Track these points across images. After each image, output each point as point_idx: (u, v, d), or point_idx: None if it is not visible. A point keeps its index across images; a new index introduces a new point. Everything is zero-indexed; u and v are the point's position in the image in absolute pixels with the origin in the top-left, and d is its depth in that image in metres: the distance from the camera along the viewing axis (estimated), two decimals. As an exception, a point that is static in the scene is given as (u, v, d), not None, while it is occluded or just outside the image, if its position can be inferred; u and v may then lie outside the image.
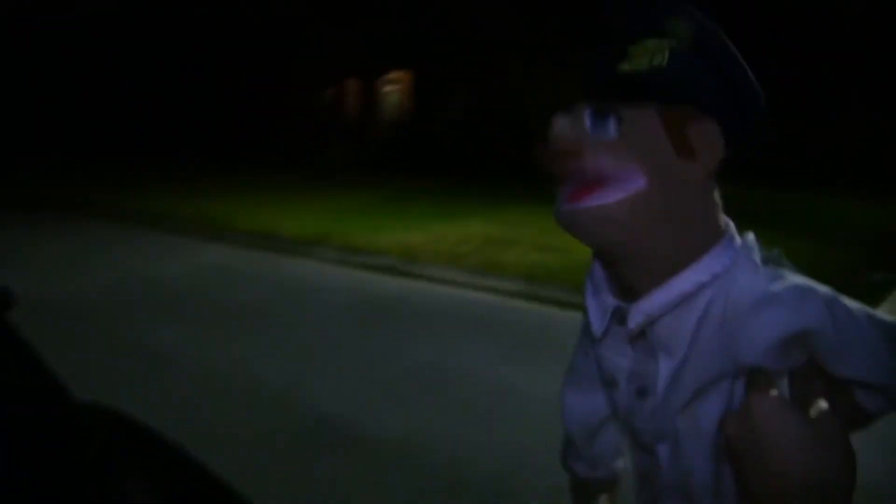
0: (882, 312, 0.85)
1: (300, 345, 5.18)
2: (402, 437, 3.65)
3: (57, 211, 12.30)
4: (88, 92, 22.50)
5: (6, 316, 1.76)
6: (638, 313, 0.85)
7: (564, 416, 1.08)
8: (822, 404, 0.83)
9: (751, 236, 0.88)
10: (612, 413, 1.03)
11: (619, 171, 0.81)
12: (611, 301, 0.90)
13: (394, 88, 20.42)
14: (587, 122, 0.83)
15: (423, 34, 17.72)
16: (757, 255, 0.85)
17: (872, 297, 5.59)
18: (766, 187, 11.06)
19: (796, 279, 0.82)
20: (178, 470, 1.75)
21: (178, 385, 4.39)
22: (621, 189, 0.81)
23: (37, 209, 12.42)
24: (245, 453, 3.45)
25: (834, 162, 12.26)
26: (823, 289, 0.82)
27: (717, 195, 0.87)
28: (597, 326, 0.92)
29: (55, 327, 5.29)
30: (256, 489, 2.87)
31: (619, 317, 0.90)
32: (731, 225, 0.88)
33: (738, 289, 0.82)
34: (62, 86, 22.50)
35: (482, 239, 8.57)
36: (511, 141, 16.07)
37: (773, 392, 0.81)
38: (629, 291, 0.88)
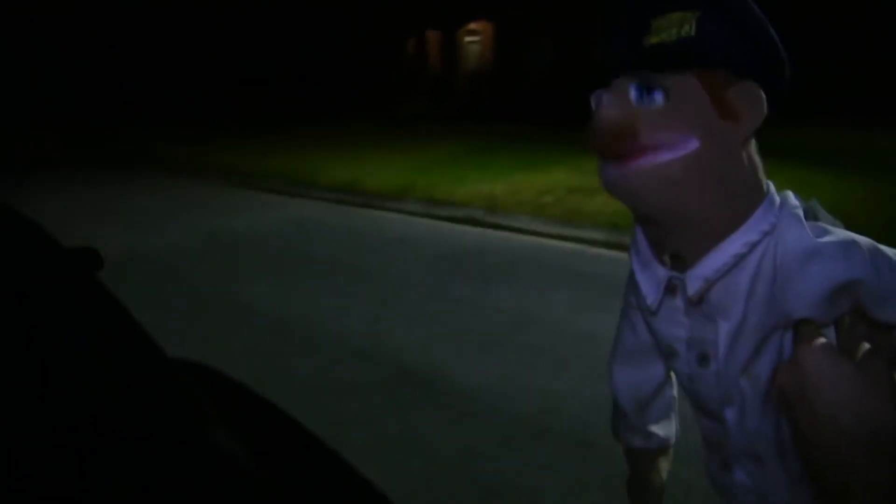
0: None
1: (384, 296, 5.25)
2: (487, 387, 3.67)
3: (145, 168, 12.77)
4: (171, 54, 23.06)
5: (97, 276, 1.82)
6: (695, 279, 0.86)
7: (616, 391, 1.10)
8: (868, 350, 0.84)
9: (790, 193, 0.89)
10: (661, 383, 1.07)
11: (673, 138, 0.81)
12: (663, 272, 0.90)
13: (475, 39, 20.18)
14: (633, 96, 0.83)
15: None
16: (800, 211, 0.86)
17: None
18: (820, 126, 10.59)
19: (839, 232, 0.84)
20: (269, 425, 1.79)
21: (263, 337, 4.53)
22: (676, 151, 0.81)
23: (126, 167, 12.91)
24: (330, 404, 3.53)
25: (887, 98, 11.62)
26: (865, 239, 0.83)
27: (757, 156, 0.87)
28: (651, 299, 0.92)
29: (143, 281, 5.53)
30: (341, 441, 2.93)
31: (670, 287, 0.91)
32: (771, 184, 0.89)
33: (786, 244, 0.83)
34: (143, 51, 23.12)
35: (565, 188, 8.46)
36: (593, 87, 15.74)
37: (821, 341, 0.82)
38: (677, 260, 0.89)
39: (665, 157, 0.81)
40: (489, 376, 3.78)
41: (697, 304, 0.88)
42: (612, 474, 2.84)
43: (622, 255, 5.62)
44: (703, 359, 0.91)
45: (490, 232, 7.25)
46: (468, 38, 20.37)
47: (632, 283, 0.97)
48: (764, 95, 0.83)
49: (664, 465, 1.15)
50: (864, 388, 0.78)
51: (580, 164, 9.52)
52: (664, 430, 1.12)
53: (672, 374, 1.07)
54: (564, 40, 16.67)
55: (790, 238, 0.83)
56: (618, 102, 0.83)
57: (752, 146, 0.86)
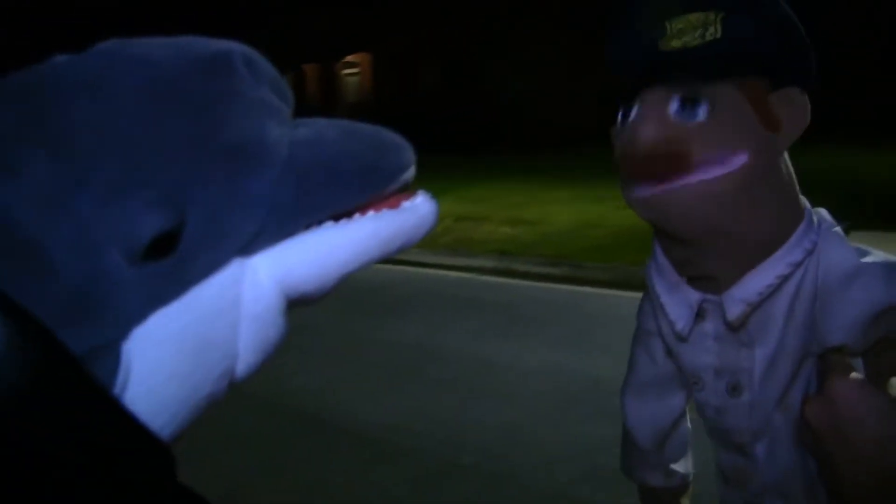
0: None
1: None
2: (395, 426, 3.63)
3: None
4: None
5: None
6: (735, 303, 0.78)
7: (632, 426, 1.00)
8: None
9: (825, 211, 0.84)
10: (680, 415, 0.99)
11: (723, 155, 0.74)
12: (695, 296, 0.82)
13: (353, 71, 20.27)
14: (673, 110, 0.75)
15: (380, 14, 17.60)
16: (840, 229, 0.81)
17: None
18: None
19: (880, 253, 0.79)
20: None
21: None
22: (724, 167, 0.74)
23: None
24: (232, 459, 3.38)
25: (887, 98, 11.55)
26: None
27: (791, 168, 0.81)
28: (681, 325, 0.83)
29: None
30: (245, 493, 2.81)
31: (699, 311, 0.83)
32: (806, 200, 0.83)
33: (828, 264, 0.78)
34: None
35: (452, 217, 8.57)
36: (474, 115, 16.06)
37: (853, 374, 0.76)
38: (708, 282, 0.81)
39: (713, 173, 0.74)
40: (396, 414, 3.77)
41: (736, 329, 0.81)
42: None
43: (514, 282, 5.75)
44: (735, 388, 0.83)
45: (382, 267, 7.25)
46: (346, 71, 20.44)
47: (652, 308, 0.89)
48: (808, 102, 0.76)
49: None
50: None
51: (466, 193, 9.70)
52: (683, 465, 1.03)
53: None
54: (447, 68, 16.97)
55: (834, 256, 0.78)
56: (656, 118, 0.75)
57: (787, 157, 0.81)
